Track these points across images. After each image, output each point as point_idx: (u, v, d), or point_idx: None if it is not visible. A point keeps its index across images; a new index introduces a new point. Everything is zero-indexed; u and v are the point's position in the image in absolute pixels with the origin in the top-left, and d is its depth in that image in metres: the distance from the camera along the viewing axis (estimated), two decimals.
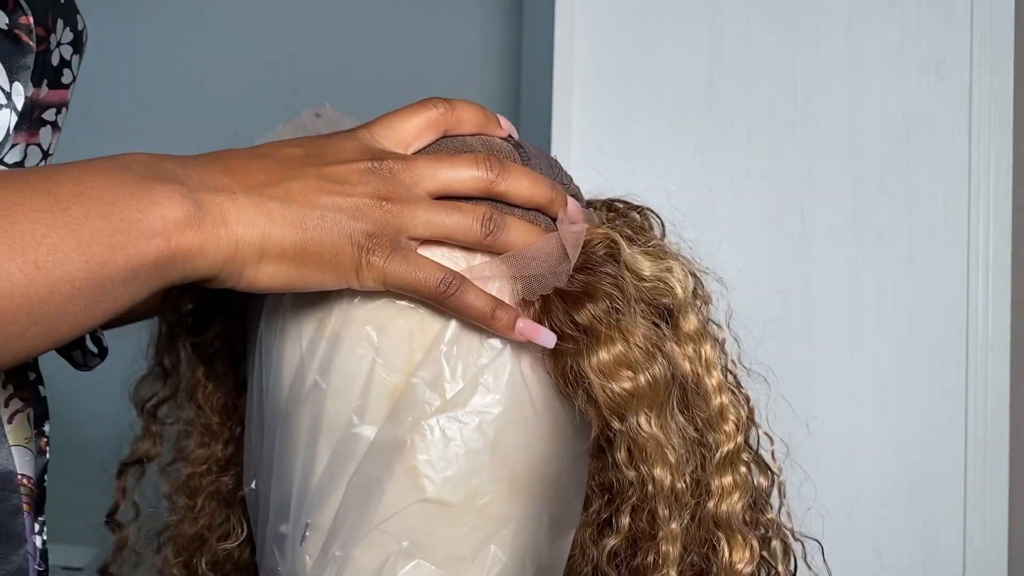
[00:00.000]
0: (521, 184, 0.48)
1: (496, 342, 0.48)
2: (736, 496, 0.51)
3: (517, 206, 0.48)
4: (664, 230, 0.58)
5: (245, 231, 0.41)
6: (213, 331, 0.57)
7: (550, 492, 0.50)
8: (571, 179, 0.56)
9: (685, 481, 0.48)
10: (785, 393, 1.18)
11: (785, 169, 1.19)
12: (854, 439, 1.18)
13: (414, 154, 0.48)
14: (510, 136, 0.53)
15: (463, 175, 0.47)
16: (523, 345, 0.48)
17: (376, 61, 1.97)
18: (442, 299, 0.45)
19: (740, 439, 0.51)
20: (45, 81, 0.48)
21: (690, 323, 0.50)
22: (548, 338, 0.47)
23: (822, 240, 1.19)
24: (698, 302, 0.52)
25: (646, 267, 0.49)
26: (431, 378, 0.47)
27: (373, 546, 0.47)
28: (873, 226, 1.18)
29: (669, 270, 0.50)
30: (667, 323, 0.49)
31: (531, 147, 0.53)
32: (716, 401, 0.51)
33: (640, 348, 0.47)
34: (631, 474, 0.48)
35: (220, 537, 0.59)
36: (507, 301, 0.47)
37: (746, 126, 1.20)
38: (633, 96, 1.20)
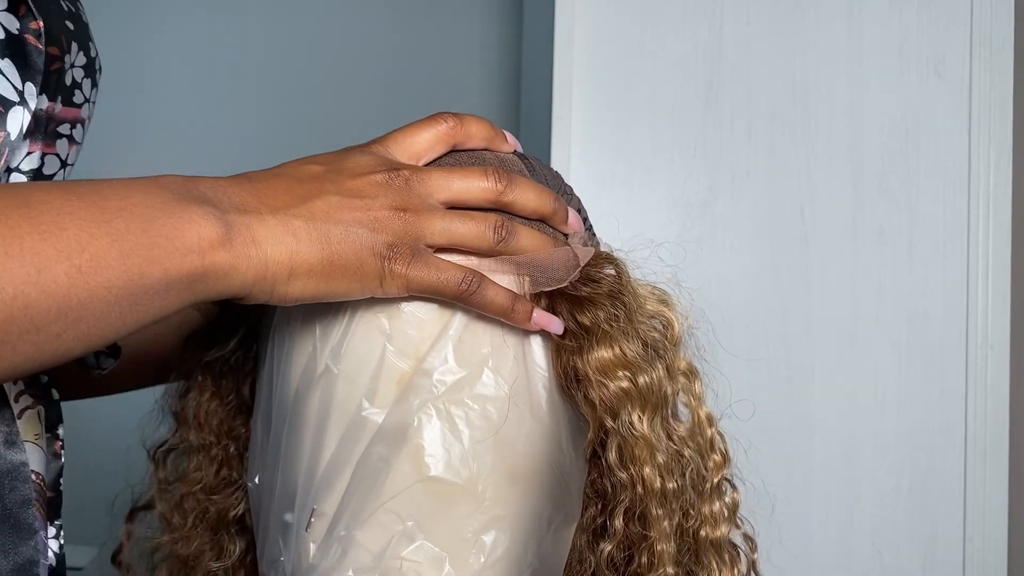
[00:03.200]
0: (527, 196, 0.50)
1: (501, 332, 0.50)
2: (724, 524, 0.54)
3: (523, 216, 0.51)
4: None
5: (274, 250, 0.43)
6: (231, 345, 0.59)
7: (552, 483, 0.51)
8: (572, 190, 0.58)
9: (676, 483, 0.51)
10: (785, 393, 1.18)
11: (785, 169, 1.19)
12: (854, 439, 1.18)
13: (426, 166, 0.51)
14: (515, 150, 0.55)
15: (474, 186, 0.49)
16: (527, 339, 0.51)
17: (377, 61, 1.98)
18: (464, 297, 0.48)
19: (727, 471, 0.55)
20: (59, 98, 0.51)
21: (682, 360, 0.54)
22: (558, 325, 0.50)
23: (822, 240, 1.19)
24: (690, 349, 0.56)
25: (648, 297, 0.53)
26: (438, 364, 0.49)
27: (377, 527, 0.48)
28: (873, 226, 1.18)
29: (668, 305, 0.54)
30: (660, 357, 0.52)
31: (535, 160, 0.56)
32: (708, 433, 0.54)
33: (638, 353, 0.50)
34: (622, 475, 0.50)
35: (212, 557, 0.61)
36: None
37: (746, 126, 1.20)
38: (633, 96, 1.20)
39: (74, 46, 0.51)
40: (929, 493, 1.17)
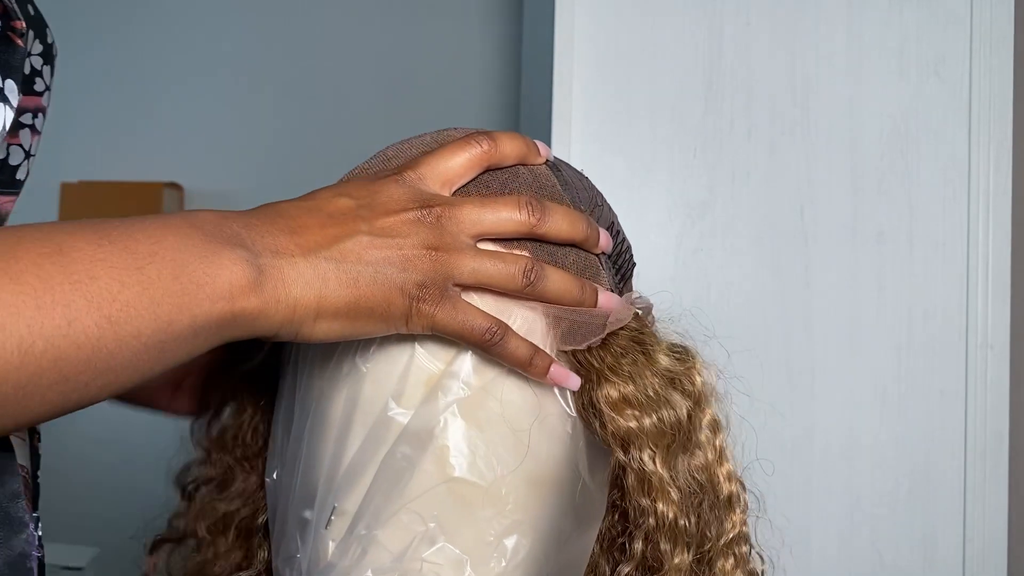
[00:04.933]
0: (560, 225, 0.51)
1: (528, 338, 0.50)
2: (738, 573, 0.55)
3: (556, 244, 0.51)
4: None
5: (302, 294, 0.44)
6: (262, 356, 0.59)
7: (575, 489, 0.51)
8: (603, 198, 0.58)
9: (689, 520, 0.51)
10: (785, 393, 1.18)
11: (785, 169, 1.19)
12: (854, 439, 1.18)
13: (460, 195, 0.51)
14: (546, 160, 0.55)
15: (506, 219, 0.49)
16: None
17: (377, 61, 1.97)
18: (486, 346, 0.48)
19: (744, 528, 0.55)
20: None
21: (707, 413, 0.54)
22: (575, 382, 0.51)
23: (822, 240, 1.19)
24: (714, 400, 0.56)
25: (667, 355, 0.53)
26: (467, 367, 0.49)
27: (398, 527, 0.48)
28: (873, 226, 1.18)
29: (685, 362, 0.54)
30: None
31: (568, 169, 0.56)
32: (727, 489, 0.54)
33: (646, 396, 0.51)
34: (642, 501, 0.51)
35: (244, 565, 0.61)
36: (539, 339, 0.51)
37: (746, 126, 1.20)
38: (633, 96, 1.20)
39: (30, 34, 0.51)
40: (929, 493, 1.17)
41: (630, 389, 0.50)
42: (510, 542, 0.49)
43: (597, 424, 0.50)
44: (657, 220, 1.20)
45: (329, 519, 0.49)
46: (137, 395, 0.67)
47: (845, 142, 1.19)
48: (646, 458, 0.50)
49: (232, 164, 1.99)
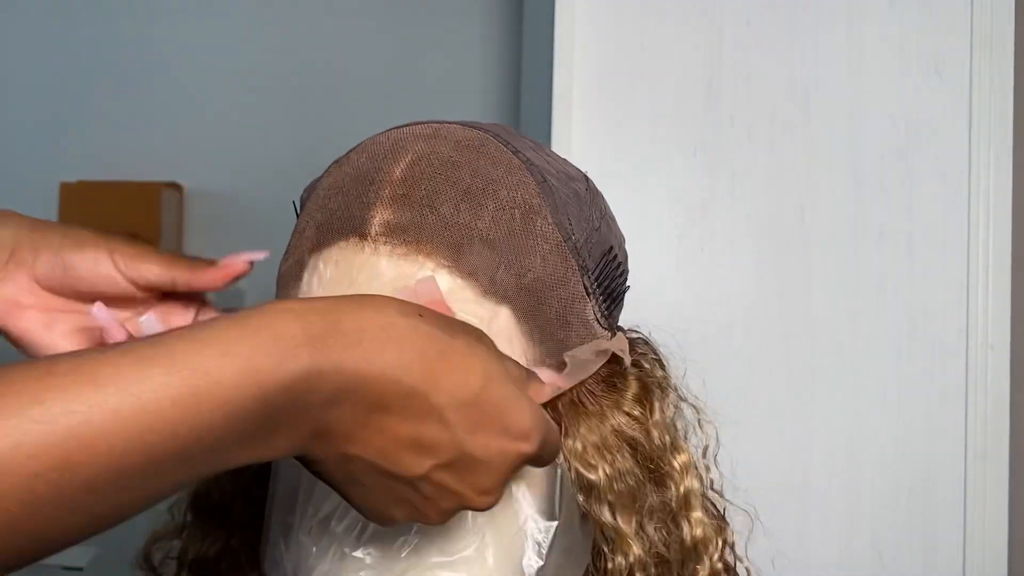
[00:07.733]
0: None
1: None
2: None
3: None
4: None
5: None
6: None
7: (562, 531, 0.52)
8: (607, 217, 0.57)
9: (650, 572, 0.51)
10: (785, 393, 1.18)
11: (785, 169, 1.19)
12: (854, 439, 1.18)
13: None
14: (540, 175, 0.53)
15: None
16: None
17: (376, 63, 1.98)
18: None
19: (718, 564, 0.54)
20: None
21: (680, 459, 0.54)
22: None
23: (822, 240, 1.19)
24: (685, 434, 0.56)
25: (623, 416, 0.53)
26: None
27: (378, 532, 0.48)
28: (873, 226, 1.18)
29: (651, 411, 0.53)
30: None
31: (564, 187, 0.55)
32: (691, 534, 0.54)
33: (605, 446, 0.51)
34: (605, 549, 0.51)
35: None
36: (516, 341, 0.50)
37: (746, 126, 1.20)
38: (633, 96, 1.20)
39: None
40: (929, 493, 1.17)
41: (604, 474, 0.50)
42: (488, 553, 0.49)
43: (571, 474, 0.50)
44: (657, 220, 1.20)
45: (310, 523, 0.49)
46: None
47: (845, 142, 1.19)
48: (606, 511, 0.50)
49: (232, 164, 1.99)
